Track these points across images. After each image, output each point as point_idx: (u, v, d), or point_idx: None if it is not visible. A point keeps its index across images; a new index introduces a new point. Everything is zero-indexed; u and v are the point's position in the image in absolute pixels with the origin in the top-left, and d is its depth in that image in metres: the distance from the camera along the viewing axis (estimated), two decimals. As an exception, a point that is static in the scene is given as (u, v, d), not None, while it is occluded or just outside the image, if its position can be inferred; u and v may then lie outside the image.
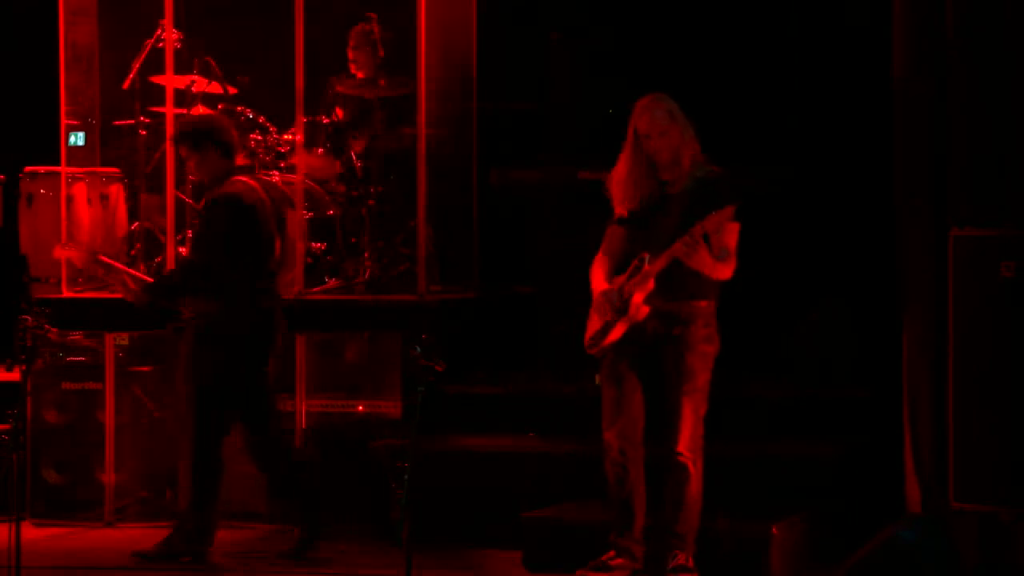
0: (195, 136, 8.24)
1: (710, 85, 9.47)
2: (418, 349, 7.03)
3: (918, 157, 7.62)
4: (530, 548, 7.81)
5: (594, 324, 7.39)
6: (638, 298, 7.23)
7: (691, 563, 7.25)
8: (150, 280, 8.31)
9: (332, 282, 9.57)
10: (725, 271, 7.22)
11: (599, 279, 7.40)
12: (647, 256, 7.24)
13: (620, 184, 7.37)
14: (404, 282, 9.55)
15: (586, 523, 7.69)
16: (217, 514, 8.20)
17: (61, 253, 8.66)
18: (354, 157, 9.90)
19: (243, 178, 8.24)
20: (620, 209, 7.38)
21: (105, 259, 8.37)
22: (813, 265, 9.43)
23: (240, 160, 8.39)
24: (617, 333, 7.30)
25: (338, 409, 9.11)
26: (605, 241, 7.46)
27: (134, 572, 7.94)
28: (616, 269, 7.38)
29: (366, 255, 9.68)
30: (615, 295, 7.29)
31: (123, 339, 9.30)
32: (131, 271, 8.44)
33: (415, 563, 6.81)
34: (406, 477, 6.88)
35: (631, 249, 7.33)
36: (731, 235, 7.21)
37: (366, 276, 9.60)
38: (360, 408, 9.06)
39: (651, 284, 7.21)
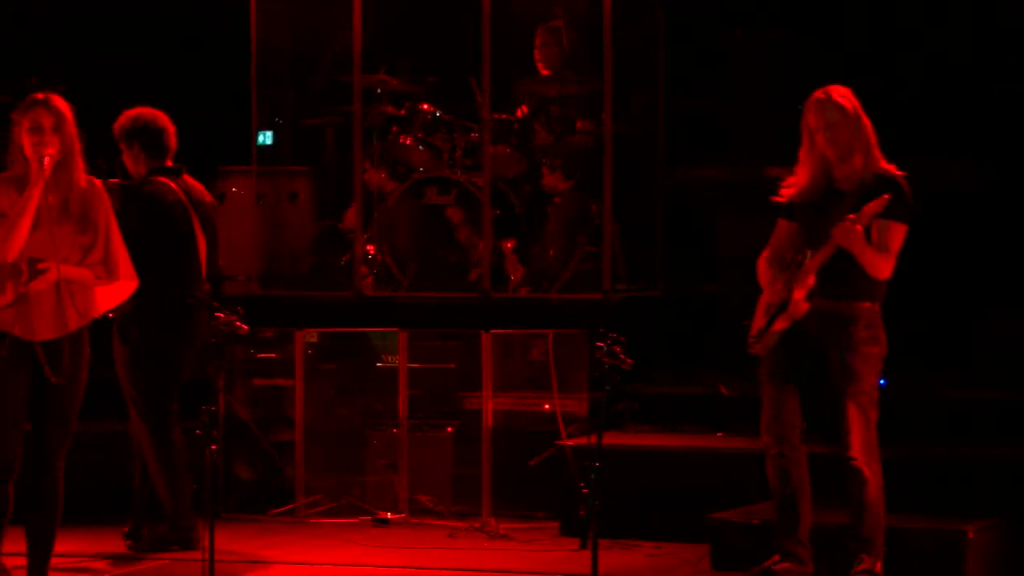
0: (125, 134, 8.39)
1: (902, 80, 9.34)
2: (604, 347, 7.02)
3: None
4: (716, 548, 7.76)
5: (757, 321, 7.32)
6: (798, 295, 7.13)
7: (878, 568, 7.13)
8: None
9: (518, 280, 9.59)
10: (882, 267, 7.06)
11: (763, 273, 7.33)
12: (808, 252, 7.14)
13: (793, 178, 7.30)
14: (589, 280, 9.55)
15: (774, 527, 7.62)
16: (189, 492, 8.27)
17: None
18: (540, 154, 9.91)
19: (163, 179, 8.33)
20: (788, 202, 7.31)
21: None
22: (1001, 266, 9.26)
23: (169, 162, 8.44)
24: (778, 331, 7.21)
25: (524, 407, 9.14)
26: (774, 235, 7.38)
27: (323, 567, 8.03)
28: (783, 265, 7.30)
29: (551, 253, 9.69)
30: (777, 292, 7.21)
31: (312, 336, 9.42)
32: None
33: (601, 561, 6.81)
34: (592, 475, 6.87)
35: (798, 245, 7.24)
36: (894, 234, 7.06)
37: (552, 274, 9.61)
38: (546, 406, 9.07)
39: (811, 280, 7.10)
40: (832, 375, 7.13)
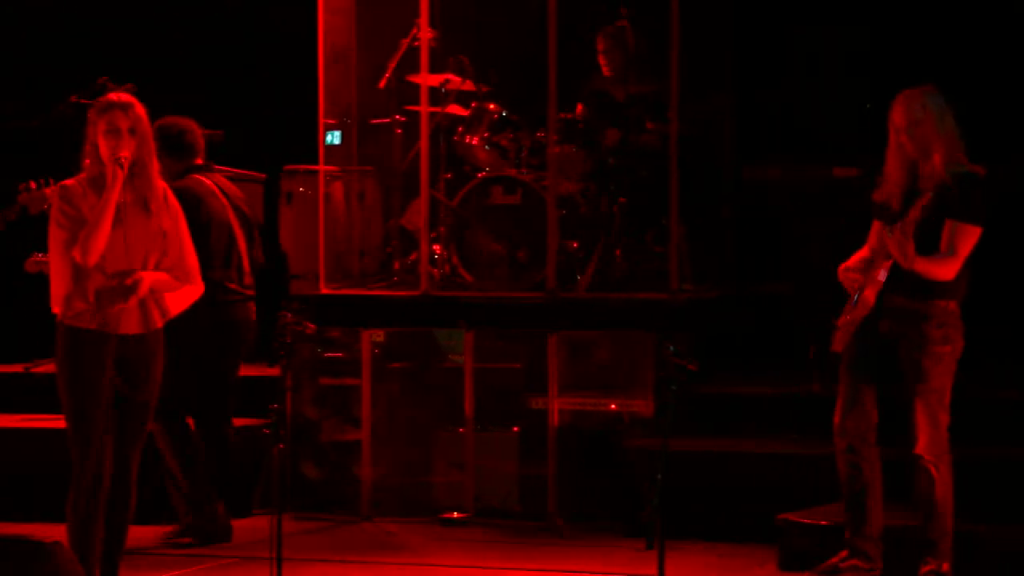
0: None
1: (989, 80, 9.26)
2: (670, 348, 7.00)
3: None
4: (785, 550, 7.72)
5: (842, 319, 7.29)
6: (869, 293, 7.10)
7: (945, 568, 7.07)
8: None
9: (584, 280, 9.58)
10: (939, 272, 7.00)
11: (849, 269, 7.30)
12: (885, 252, 7.10)
13: (882, 178, 7.26)
14: (655, 280, 9.52)
15: (843, 526, 7.57)
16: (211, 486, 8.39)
17: (33, 267, 8.77)
18: (605, 154, 9.89)
19: (196, 176, 8.51)
20: (880, 201, 7.27)
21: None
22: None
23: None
24: (851, 329, 7.17)
25: (590, 407, 9.12)
26: (870, 234, 7.35)
27: (390, 566, 8.05)
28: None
29: (617, 253, 9.67)
30: (855, 290, 7.17)
31: (379, 336, 9.44)
32: None
33: (667, 563, 6.79)
34: (658, 476, 6.85)
35: (882, 245, 7.20)
36: (962, 236, 7.00)
37: (618, 274, 9.59)
38: (612, 407, 9.05)
39: (881, 279, 7.06)
40: (903, 373, 7.09)
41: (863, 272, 7.18)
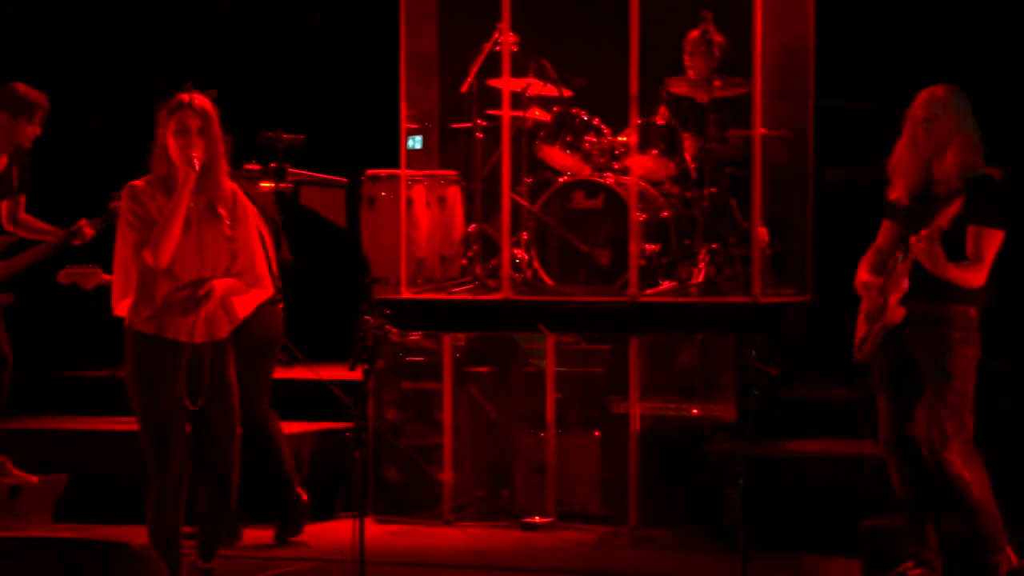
0: None
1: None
2: (753, 352, 6.96)
3: None
4: (869, 557, 7.65)
5: (860, 329, 7.21)
6: (893, 299, 7.01)
7: (1013, 560, 7.01)
8: None
9: (666, 284, 9.55)
10: (968, 279, 6.91)
11: (860, 276, 7.22)
12: (900, 255, 7.00)
13: (891, 172, 7.18)
14: (738, 284, 9.47)
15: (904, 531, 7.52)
16: None
17: (65, 279, 8.78)
18: (688, 158, 9.86)
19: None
20: (892, 200, 7.18)
21: (107, 277, 8.48)
22: None
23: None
24: (877, 338, 7.09)
25: (671, 412, 9.09)
26: (879, 235, 7.26)
27: (473, 571, 8.05)
28: (883, 268, 7.17)
29: (700, 257, 9.63)
30: (873, 297, 7.09)
31: (460, 340, 9.45)
32: None
33: (749, 568, 6.75)
34: (740, 481, 6.82)
35: (895, 245, 7.11)
36: (986, 241, 6.91)
37: (700, 278, 9.55)
38: (694, 411, 9.02)
39: (905, 284, 6.97)
40: (924, 378, 7.01)
41: (884, 280, 7.08)
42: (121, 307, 6.74)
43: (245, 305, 6.87)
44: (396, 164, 9.94)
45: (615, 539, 8.65)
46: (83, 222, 8.99)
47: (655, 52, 9.74)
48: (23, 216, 9.05)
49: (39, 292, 9.45)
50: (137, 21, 11.50)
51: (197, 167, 6.62)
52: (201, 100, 6.71)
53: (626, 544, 8.55)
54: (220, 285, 6.67)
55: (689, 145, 9.86)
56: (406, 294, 9.68)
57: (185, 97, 6.72)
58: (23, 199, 9.05)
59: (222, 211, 6.73)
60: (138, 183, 6.73)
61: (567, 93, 10.09)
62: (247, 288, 6.80)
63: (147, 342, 6.65)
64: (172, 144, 6.65)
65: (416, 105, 10.04)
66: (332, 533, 8.63)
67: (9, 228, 8.96)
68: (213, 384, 6.74)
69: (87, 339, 10.35)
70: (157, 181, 6.71)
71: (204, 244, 6.67)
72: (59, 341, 10.89)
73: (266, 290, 6.89)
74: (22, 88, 8.90)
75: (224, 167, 6.77)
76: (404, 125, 9.88)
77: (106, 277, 8.35)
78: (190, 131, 6.64)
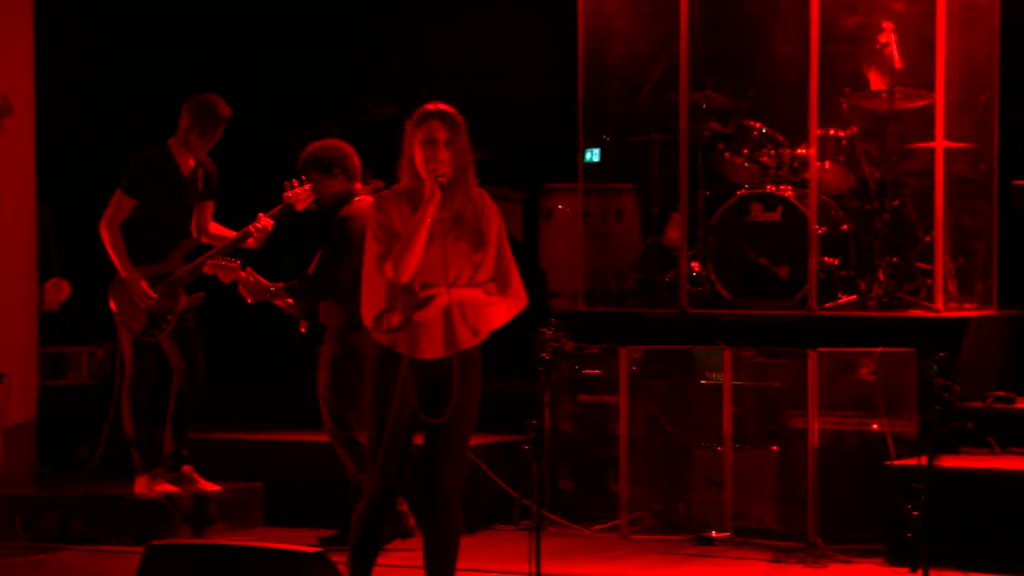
0: (321, 163, 8.52)
1: None
2: (933, 367, 6.85)
3: None
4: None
5: None
6: None
7: None
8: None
9: (845, 298, 9.45)
10: None
11: None
12: None
13: None
14: (920, 298, 9.34)
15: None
16: None
17: (210, 270, 8.77)
18: (868, 171, 9.75)
19: (366, 198, 8.41)
20: None
21: (245, 275, 8.45)
22: None
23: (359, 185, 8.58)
24: None
25: (851, 427, 8.97)
26: None
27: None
28: None
29: (880, 270, 9.51)
30: None
31: (637, 353, 9.43)
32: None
33: (931, 588, 6.66)
34: (922, 497, 6.71)
35: None
36: None
37: (880, 292, 9.43)
38: (874, 426, 8.89)
39: None
40: None
41: None
42: (366, 316, 6.53)
43: (496, 317, 6.53)
44: (574, 177, 9.95)
45: (792, 554, 8.55)
46: (260, 216, 9.02)
47: (836, 62, 9.67)
48: (209, 225, 9.13)
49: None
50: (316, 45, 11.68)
51: (446, 184, 6.40)
52: (450, 110, 6.46)
53: (803, 559, 8.44)
54: (453, 293, 6.39)
55: (871, 157, 9.74)
56: (583, 307, 9.68)
57: (432, 107, 6.48)
58: (210, 206, 9.14)
59: (468, 222, 6.47)
60: (384, 193, 6.58)
61: (745, 106, 10.05)
62: (491, 298, 6.49)
63: (382, 353, 6.47)
64: (418, 155, 6.42)
65: (594, 118, 10.05)
66: (510, 542, 8.69)
67: (195, 235, 9.06)
68: (445, 401, 6.44)
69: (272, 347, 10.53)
70: (404, 192, 6.49)
71: (448, 258, 6.40)
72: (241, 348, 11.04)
73: (520, 300, 6.53)
74: (214, 99, 8.98)
75: (472, 178, 6.50)
76: (582, 138, 9.90)
77: (243, 274, 8.43)
78: (437, 142, 6.39)
